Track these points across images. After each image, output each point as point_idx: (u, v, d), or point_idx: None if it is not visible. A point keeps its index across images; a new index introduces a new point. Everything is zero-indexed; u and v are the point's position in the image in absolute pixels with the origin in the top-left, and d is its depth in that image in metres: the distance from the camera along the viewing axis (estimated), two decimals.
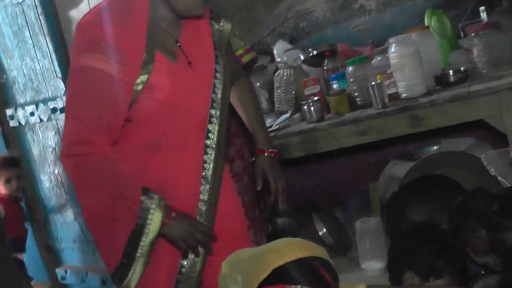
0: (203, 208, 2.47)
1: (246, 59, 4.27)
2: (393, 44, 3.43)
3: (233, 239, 2.55)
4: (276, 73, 4.13)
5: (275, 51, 4.42)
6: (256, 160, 2.73)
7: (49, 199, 5.14)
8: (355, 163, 4.42)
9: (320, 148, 3.58)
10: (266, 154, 2.72)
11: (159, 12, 2.38)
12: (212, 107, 2.49)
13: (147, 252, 2.33)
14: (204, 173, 2.48)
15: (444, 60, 3.64)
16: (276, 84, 4.09)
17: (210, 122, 2.49)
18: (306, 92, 3.82)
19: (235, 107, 2.79)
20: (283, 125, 3.81)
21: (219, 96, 2.50)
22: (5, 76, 5.05)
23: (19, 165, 4.86)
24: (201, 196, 2.48)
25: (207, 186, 2.48)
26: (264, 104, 4.19)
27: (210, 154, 2.48)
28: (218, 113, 2.50)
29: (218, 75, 2.51)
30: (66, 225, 5.08)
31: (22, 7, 4.73)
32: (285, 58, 4.31)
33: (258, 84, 4.24)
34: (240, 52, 4.26)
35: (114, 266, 2.37)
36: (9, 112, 5.09)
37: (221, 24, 2.59)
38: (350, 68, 3.64)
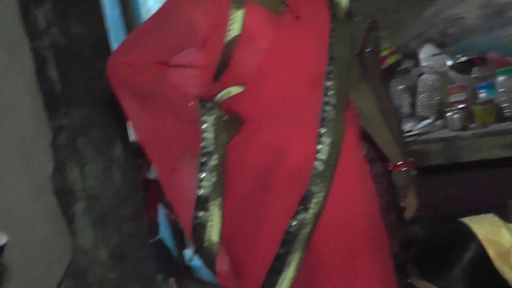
0: (321, 167, 2.31)
1: (390, 60, 4.24)
2: None
3: (354, 213, 2.40)
4: (420, 78, 4.08)
5: (421, 55, 4.37)
6: (393, 176, 2.63)
7: None
8: (496, 176, 4.29)
9: (461, 158, 3.49)
10: (402, 169, 2.62)
11: None
12: (330, 64, 2.34)
13: (221, 172, 2.30)
14: (322, 131, 2.32)
15: None
16: (419, 89, 4.03)
17: (328, 79, 2.33)
18: (451, 100, 3.75)
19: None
20: (424, 131, 3.76)
21: (337, 54, 2.35)
22: None
23: None
24: (318, 155, 2.32)
25: (326, 146, 2.32)
26: (406, 108, 4.15)
27: (329, 112, 2.32)
28: (337, 70, 2.34)
29: (334, 33, 2.35)
30: None
31: None
32: (431, 63, 4.25)
33: (400, 87, 4.21)
34: (385, 53, 4.24)
35: (192, 204, 2.30)
36: None
37: None
38: (501, 78, 3.54)
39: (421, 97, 4.00)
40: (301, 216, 2.31)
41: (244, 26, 2.28)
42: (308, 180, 2.31)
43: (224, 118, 2.32)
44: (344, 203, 2.38)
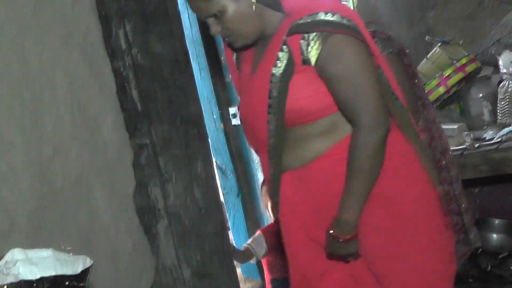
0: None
1: (469, 69, 4.21)
2: None
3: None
4: (501, 85, 4.02)
5: (500, 62, 4.30)
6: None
7: None
8: None
9: None
10: (329, 235, 2.37)
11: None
12: (268, 122, 2.35)
13: None
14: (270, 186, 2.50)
15: None
16: (500, 96, 3.98)
17: (269, 137, 2.37)
18: None
19: None
20: (506, 138, 3.70)
21: (272, 112, 2.33)
22: (230, 76, 5.26)
23: None
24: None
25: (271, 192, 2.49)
26: (487, 116, 4.09)
27: (270, 173, 2.44)
28: (272, 127, 2.34)
29: (272, 89, 2.31)
30: None
31: None
32: (511, 69, 4.18)
33: (480, 95, 4.16)
34: (463, 61, 4.21)
35: None
36: (232, 110, 5.30)
37: (307, 38, 2.26)
38: None
39: (502, 104, 3.94)
40: None
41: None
42: None
43: None
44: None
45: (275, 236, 3.54)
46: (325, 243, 2.39)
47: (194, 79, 3.63)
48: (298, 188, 2.41)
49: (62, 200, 2.87)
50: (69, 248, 2.00)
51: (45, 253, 1.91)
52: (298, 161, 2.39)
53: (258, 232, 3.99)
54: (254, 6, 2.30)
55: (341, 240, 2.32)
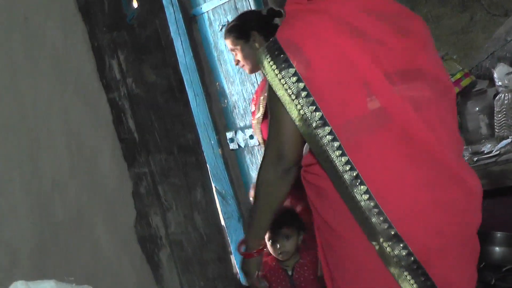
0: None
1: (464, 83, 4.20)
2: None
3: None
4: (497, 98, 4.02)
5: (495, 75, 4.30)
6: None
7: None
8: None
9: None
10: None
11: None
12: None
13: None
14: None
15: None
16: (496, 109, 3.97)
17: None
18: None
19: None
20: (504, 150, 3.70)
21: None
22: (226, 101, 5.28)
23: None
24: None
25: None
26: (484, 130, 4.08)
27: None
28: None
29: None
30: None
31: None
32: (506, 82, 4.18)
33: (477, 108, 4.15)
34: (458, 76, 4.20)
35: None
36: (229, 135, 5.30)
37: None
38: None
39: (498, 117, 3.94)
40: None
41: None
42: None
43: None
44: None
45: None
46: None
47: (190, 106, 3.64)
48: None
49: (64, 234, 2.86)
50: (72, 278, 1.99)
51: (48, 284, 1.91)
52: None
53: None
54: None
55: (242, 254, 2.60)
